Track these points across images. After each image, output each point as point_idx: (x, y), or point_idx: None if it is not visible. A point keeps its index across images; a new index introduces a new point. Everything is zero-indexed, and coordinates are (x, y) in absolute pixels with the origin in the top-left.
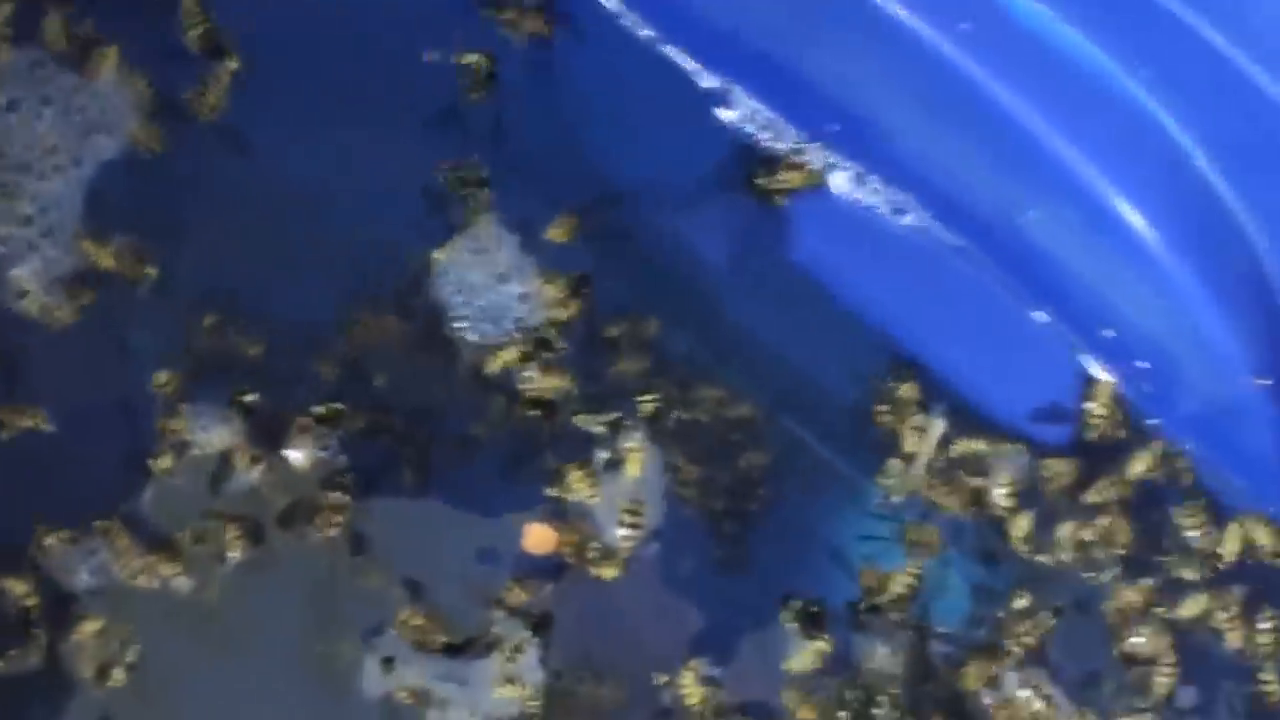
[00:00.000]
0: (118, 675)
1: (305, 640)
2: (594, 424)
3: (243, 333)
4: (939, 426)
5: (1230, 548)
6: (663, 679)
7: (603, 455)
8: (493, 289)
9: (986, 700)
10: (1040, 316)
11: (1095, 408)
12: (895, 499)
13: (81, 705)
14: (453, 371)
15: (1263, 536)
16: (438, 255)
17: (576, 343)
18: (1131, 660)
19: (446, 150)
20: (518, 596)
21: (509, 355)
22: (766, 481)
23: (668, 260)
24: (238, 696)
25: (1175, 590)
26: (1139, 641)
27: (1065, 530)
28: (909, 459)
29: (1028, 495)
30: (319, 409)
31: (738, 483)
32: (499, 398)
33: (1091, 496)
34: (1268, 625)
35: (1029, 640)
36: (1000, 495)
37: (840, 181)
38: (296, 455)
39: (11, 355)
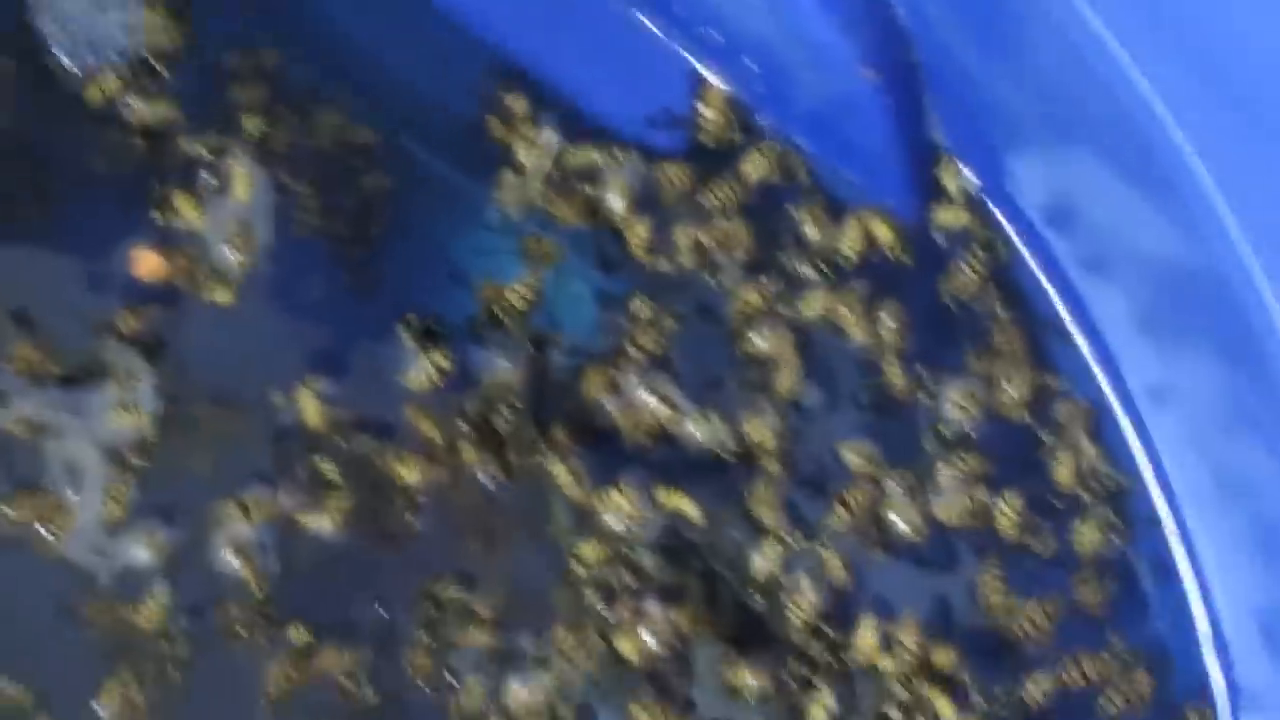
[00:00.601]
0: None
1: None
2: (199, 148)
3: None
4: (551, 138)
5: (849, 244)
6: (281, 399)
7: (210, 180)
8: (92, 18)
9: (610, 407)
10: (647, 22)
11: (707, 111)
12: (512, 212)
13: None
14: (60, 105)
15: (881, 230)
16: None
17: (186, 70)
18: (754, 360)
19: None
20: (130, 324)
21: (110, 84)
22: (388, 204)
23: None
24: None
25: (796, 289)
26: (761, 342)
27: (684, 235)
28: (523, 172)
29: (645, 202)
30: None
31: (359, 206)
32: (106, 128)
33: (708, 200)
34: (890, 320)
35: (651, 346)
36: (616, 203)
37: None
38: None
39: None
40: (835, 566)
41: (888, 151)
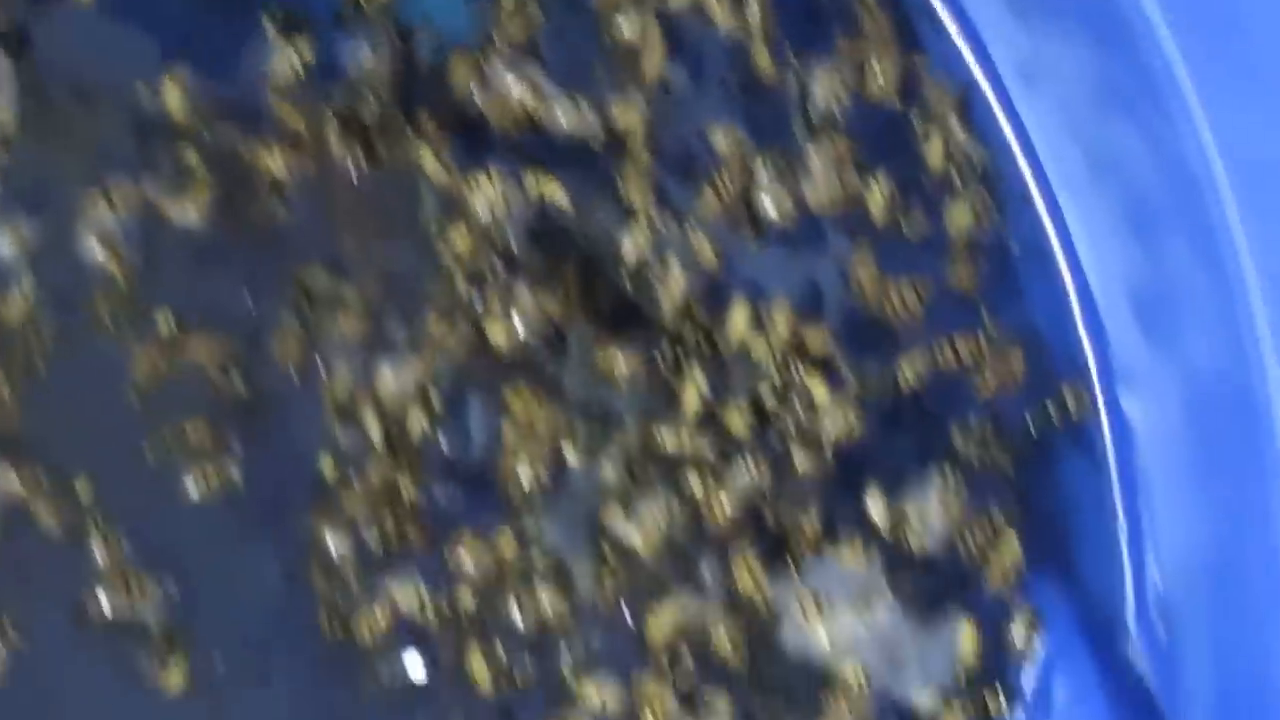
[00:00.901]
0: None
1: None
2: None
3: None
4: None
5: None
6: (145, 91)
7: None
8: None
9: (477, 95)
10: None
11: None
12: None
13: None
14: None
15: None
16: None
17: None
18: (621, 47)
19: None
20: None
21: None
22: None
23: None
24: None
25: None
26: (627, 28)
27: None
28: None
29: None
30: None
31: None
32: None
33: None
34: (756, 5)
35: (517, 34)
36: None
37: None
38: None
39: None
40: (705, 250)
41: None
